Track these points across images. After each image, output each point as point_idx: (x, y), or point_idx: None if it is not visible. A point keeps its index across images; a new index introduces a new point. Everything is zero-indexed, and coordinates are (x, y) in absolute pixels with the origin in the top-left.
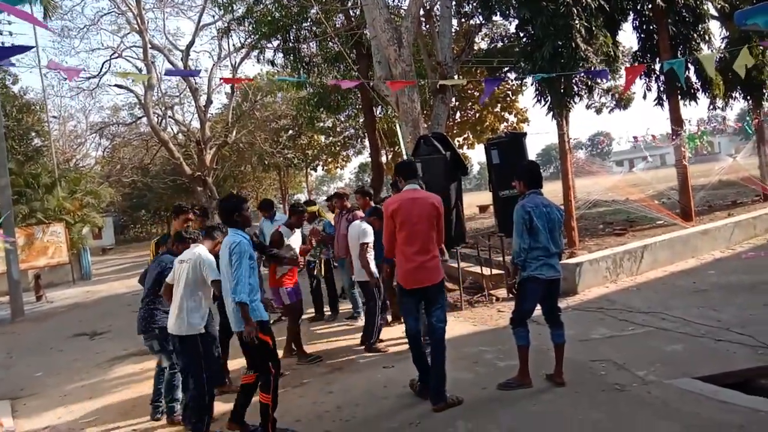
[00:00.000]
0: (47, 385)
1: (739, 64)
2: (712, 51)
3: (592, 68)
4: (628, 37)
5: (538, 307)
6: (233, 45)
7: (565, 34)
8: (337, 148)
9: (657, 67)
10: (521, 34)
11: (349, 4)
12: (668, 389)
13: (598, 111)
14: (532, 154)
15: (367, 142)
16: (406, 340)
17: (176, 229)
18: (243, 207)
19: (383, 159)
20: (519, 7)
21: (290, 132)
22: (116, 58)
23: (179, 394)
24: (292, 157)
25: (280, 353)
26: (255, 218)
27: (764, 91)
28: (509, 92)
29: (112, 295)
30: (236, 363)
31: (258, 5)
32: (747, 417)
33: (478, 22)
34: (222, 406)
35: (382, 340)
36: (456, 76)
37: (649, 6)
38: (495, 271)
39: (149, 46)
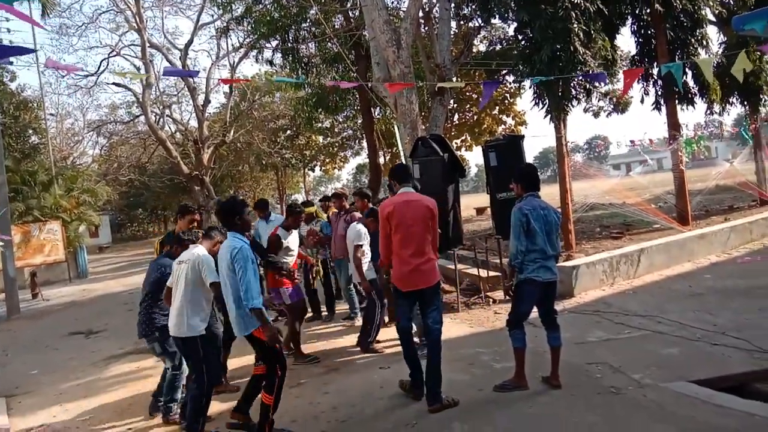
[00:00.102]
0: (42, 383)
1: (737, 69)
2: (709, 56)
3: (591, 72)
4: (626, 42)
5: (535, 309)
6: (232, 44)
7: (563, 37)
8: (335, 149)
9: (655, 71)
10: (520, 37)
11: (349, 5)
12: (664, 393)
13: (596, 114)
14: (529, 157)
15: (365, 143)
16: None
17: (181, 230)
18: (244, 211)
19: (381, 160)
20: (518, 10)
21: (288, 132)
22: (114, 56)
23: (178, 395)
24: (289, 157)
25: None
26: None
27: (761, 96)
28: (507, 95)
29: (109, 293)
30: (234, 363)
31: (257, 5)
32: (742, 421)
33: (476, 24)
34: (219, 406)
35: (379, 341)
36: (454, 79)
37: (648, 11)
38: (492, 273)
39: (148, 44)
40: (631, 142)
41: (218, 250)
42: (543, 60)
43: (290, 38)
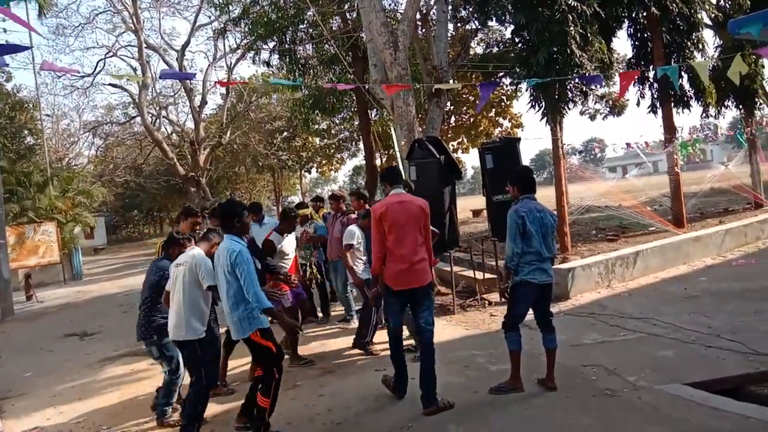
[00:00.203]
0: (37, 385)
1: (733, 72)
2: (705, 59)
3: (587, 74)
4: (622, 45)
5: (531, 311)
6: (229, 46)
7: (560, 40)
8: (332, 151)
9: (651, 74)
10: (517, 40)
11: (346, 7)
12: (659, 395)
13: (592, 117)
14: (525, 159)
15: (361, 145)
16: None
17: (183, 232)
18: (243, 213)
19: (378, 162)
20: (515, 12)
21: (285, 134)
22: (111, 57)
23: (174, 399)
24: (286, 158)
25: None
26: None
27: (756, 99)
28: (504, 97)
29: (104, 295)
30: (233, 363)
31: (254, 6)
32: (737, 423)
33: (473, 27)
34: (214, 408)
35: (374, 343)
36: (451, 81)
37: (644, 14)
38: (488, 275)
39: (144, 45)
40: (627, 144)
41: (215, 252)
42: (540, 62)
43: (287, 40)
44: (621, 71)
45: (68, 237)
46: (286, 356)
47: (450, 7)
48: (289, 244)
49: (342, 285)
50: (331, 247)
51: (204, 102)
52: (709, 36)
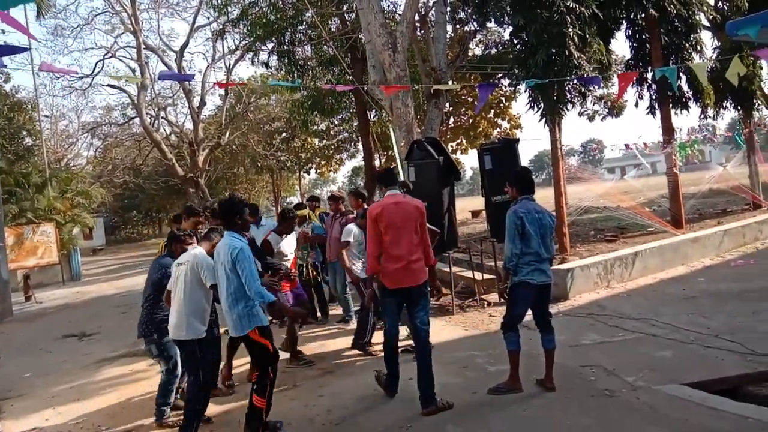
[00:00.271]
0: (35, 386)
1: (732, 73)
2: (703, 60)
3: (585, 75)
4: (621, 46)
5: (529, 312)
6: (228, 47)
7: (558, 41)
8: (331, 152)
9: (649, 75)
10: (515, 41)
11: (345, 8)
12: (657, 395)
13: (591, 118)
14: (524, 160)
15: (360, 146)
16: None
17: (185, 231)
18: (244, 210)
19: (377, 163)
20: (513, 14)
21: (284, 134)
22: (110, 57)
23: (171, 399)
24: (285, 159)
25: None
26: None
27: (755, 101)
28: (503, 98)
29: (102, 296)
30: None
31: (253, 8)
32: (735, 424)
33: (472, 28)
34: (215, 408)
35: (373, 344)
36: (450, 82)
37: (642, 15)
38: (487, 276)
39: (143, 46)
40: (626, 145)
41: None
42: (538, 64)
43: (286, 41)
44: (619, 72)
45: (67, 238)
46: (286, 356)
47: (449, 9)
48: (287, 245)
49: (341, 286)
50: (330, 247)
51: (203, 103)
52: (707, 37)
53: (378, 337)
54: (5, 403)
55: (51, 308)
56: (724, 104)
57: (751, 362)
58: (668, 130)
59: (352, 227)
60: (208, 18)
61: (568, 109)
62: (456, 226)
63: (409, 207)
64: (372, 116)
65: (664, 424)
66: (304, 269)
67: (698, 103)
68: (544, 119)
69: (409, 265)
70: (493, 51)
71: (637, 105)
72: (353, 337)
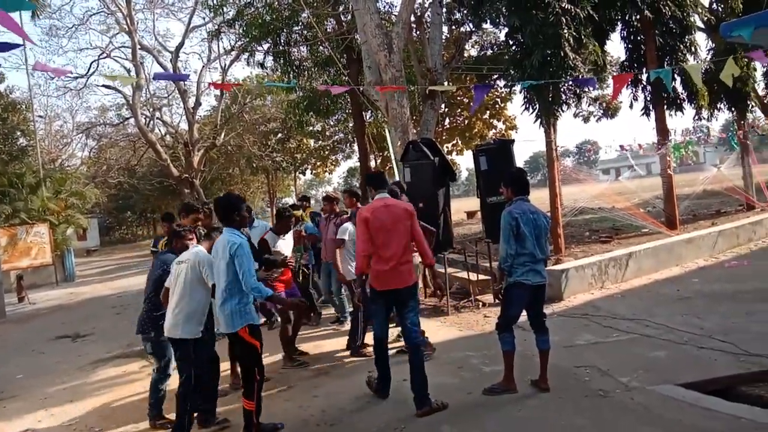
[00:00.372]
0: (28, 387)
1: (726, 74)
2: (698, 62)
3: (581, 77)
4: (616, 47)
5: (524, 312)
6: (223, 47)
7: (554, 42)
8: (326, 153)
9: (644, 77)
10: (511, 42)
11: (340, 9)
12: (651, 396)
13: (586, 120)
14: (519, 161)
15: (356, 147)
16: (390, 345)
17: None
18: (242, 207)
19: (372, 164)
20: (509, 15)
21: (279, 135)
22: (104, 58)
23: (163, 398)
24: (280, 160)
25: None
26: None
27: (749, 102)
28: (498, 99)
29: (96, 297)
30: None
31: (248, 8)
32: (729, 424)
33: (468, 29)
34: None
35: (367, 345)
36: (445, 83)
37: (637, 17)
38: (482, 277)
39: (138, 46)
40: (621, 147)
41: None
42: (534, 65)
43: (282, 41)
44: (614, 74)
45: (61, 238)
46: (280, 357)
47: (444, 10)
48: (284, 244)
49: (336, 286)
50: (326, 248)
51: (198, 103)
52: (701, 39)
53: (370, 338)
54: None
55: (44, 309)
56: (719, 106)
57: (745, 363)
58: (663, 131)
59: (348, 225)
60: (204, 18)
61: (563, 111)
62: (451, 226)
63: (398, 209)
64: (368, 117)
65: (657, 425)
66: (300, 271)
67: (693, 105)
68: (539, 120)
69: (398, 267)
70: (489, 52)
71: (631, 106)
72: (347, 338)
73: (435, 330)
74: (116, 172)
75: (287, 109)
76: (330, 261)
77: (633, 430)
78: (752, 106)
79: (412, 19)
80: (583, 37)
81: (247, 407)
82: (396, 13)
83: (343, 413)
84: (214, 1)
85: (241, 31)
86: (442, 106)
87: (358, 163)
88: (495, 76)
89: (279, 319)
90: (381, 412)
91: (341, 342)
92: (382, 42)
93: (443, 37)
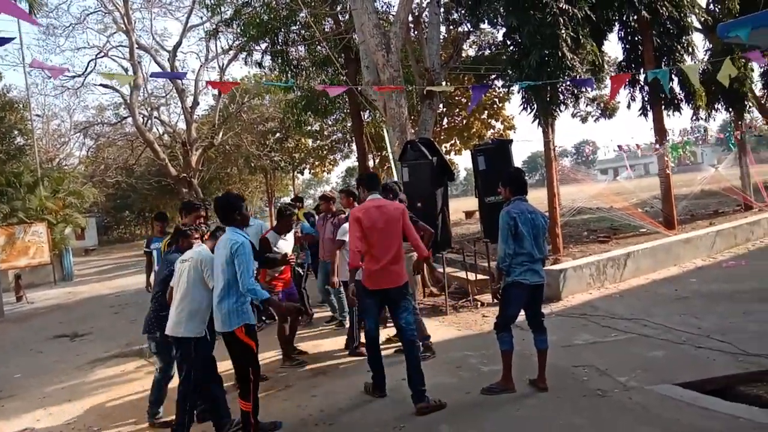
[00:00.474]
0: (26, 386)
1: (723, 75)
2: (695, 62)
3: (578, 77)
4: (613, 48)
5: (522, 312)
6: (221, 47)
7: (552, 42)
8: (325, 152)
9: (641, 77)
10: (509, 42)
11: (338, 8)
12: (649, 395)
13: (584, 120)
14: (518, 161)
15: (354, 147)
16: (388, 345)
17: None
18: (242, 206)
19: (370, 163)
20: (507, 15)
21: (277, 135)
22: (102, 57)
23: (163, 398)
24: (278, 160)
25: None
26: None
27: (746, 103)
28: (496, 99)
29: (94, 296)
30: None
31: (246, 8)
32: (726, 423)
33: (466, 29)
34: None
35: (363, 344)
36: (443, 83)
37: (635, 17)
38: (480, 277)
39: (136, 46)
40: (619, 147)
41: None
42: (531, 65)
43: (280, 41)
44: (612, 74)
45: (59, 238)
46: (278, 357)
47: (442, 10)
48: (286, 244)
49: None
50: (323, 247)
51: (196, 103)
52: (698, 39)
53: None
54: None
55: (42, 308)
56: (716, 106)
57: (742, 362)
58: (660, 131)
59: (347, 226)
60: (201, 18)
61: (561, 111)
62: (449, 226)
63: (390, 210)
64: (366, 117)
65: (656, 424)
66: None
67: (690, 105)
68: (537, 120)
69: (388, 267)
70: (487, 52)
71: (629, 106)
72: (346, 338)
73: (433, 329)
74: (114, 172)
75: (285, 109)
76: (328, 260)
77: (631, 430)
78: (749, 107)
79: (410, 18)
80: (580, 37)
81: (243, 408)
82: (394, 13)
83: (342, 413)
84: (212, 1)
85: (238, 30)
86: (440, 106)
87: (357, 163)
88: (493, 76)
89: (266, 322)
90: (379, 412)
91: (340, 342)
92: (380, 42)
93: (441, 37)
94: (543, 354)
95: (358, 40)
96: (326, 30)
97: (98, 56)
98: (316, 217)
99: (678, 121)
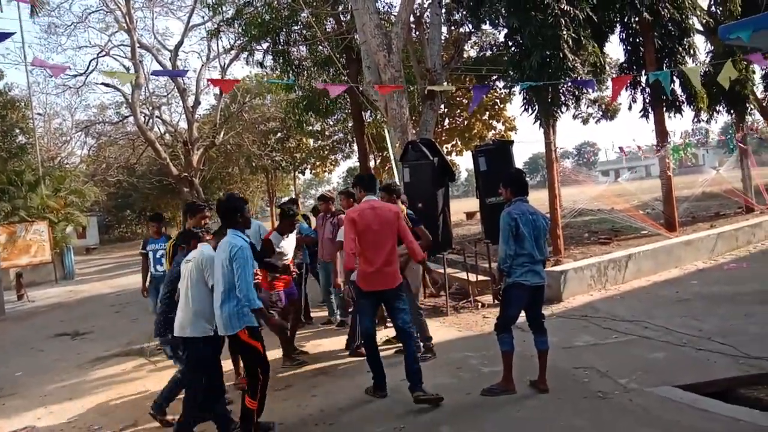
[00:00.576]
0: (27, 385)
1: (724, 77)
2: (697, 64)
3: (580, 78)
4: (615, 49)
5: (523, 313)
6: (222, 46)
7: (553, 44)
8: (326, 152)
9: (643, 79)
10: (510, 43)
11: (340, 8)
12: (650, 397)
13: (585, 121)
14: (519, 162)
15: (355, 147)
16: (388, 346)
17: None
18: (244, 208)
19: (371, 164)
20: (508, 16)
21: (278, 135)
22: (104, 56)
23: (174, 398)
24: (280, 159)
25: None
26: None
27: (747, 105)
28: (497, 100)
29: (96, 295)
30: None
31: (248, 7)
32: (727, 426)
33: (467, 30)
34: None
35: (363, 344)
36: (445, 83)
37: (636, 19)
38: (481, 278)
39: (137, 45)
40: (620, 149)
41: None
42: (533, 66)
43: (281, 41)
44: (613, 76)
45: (60, 236)
46: (278, 356)
47: (443, 10)
48: (288, 244)
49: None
50: (323, 247)
51: (197, 102)
52: (700, 41)
53: None
54: None
55: (44, 307)
56: (718, 108)
57: (743, 365)
58: (662, 133)
59: None
60: (203, 17)
61: (562, 112)
62: (450, 227)
63: (385, 212)
64: (367, 117)
65: (656, 426)
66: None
67: (691, 107)
68: (538, 122)
69: (383, 269)
70: (488, 53)
71: (630, 108)
72: (347, 337)
73: (434, 330)
74: (115, 171)
75: (286, 109)
76: (328, 260)
77: None
78: (751, 109)
79: (412, 19)
80: (582, 38)
81: (249, 406)
82: (395, 14)
83: (342, 413)
84: (213, 0)
85: (240, 30)
86: (442, 106)
87: (358, 163)
88: (494, 77)
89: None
90: (380, 412)
91: (340, 341)
92: (381, 42)
93: (442, 37)
94: (543, 355)
95: (360, 41)
96: (328, 30)
97: (100, 55)
98: (312, 219)
99: (679, 123)
